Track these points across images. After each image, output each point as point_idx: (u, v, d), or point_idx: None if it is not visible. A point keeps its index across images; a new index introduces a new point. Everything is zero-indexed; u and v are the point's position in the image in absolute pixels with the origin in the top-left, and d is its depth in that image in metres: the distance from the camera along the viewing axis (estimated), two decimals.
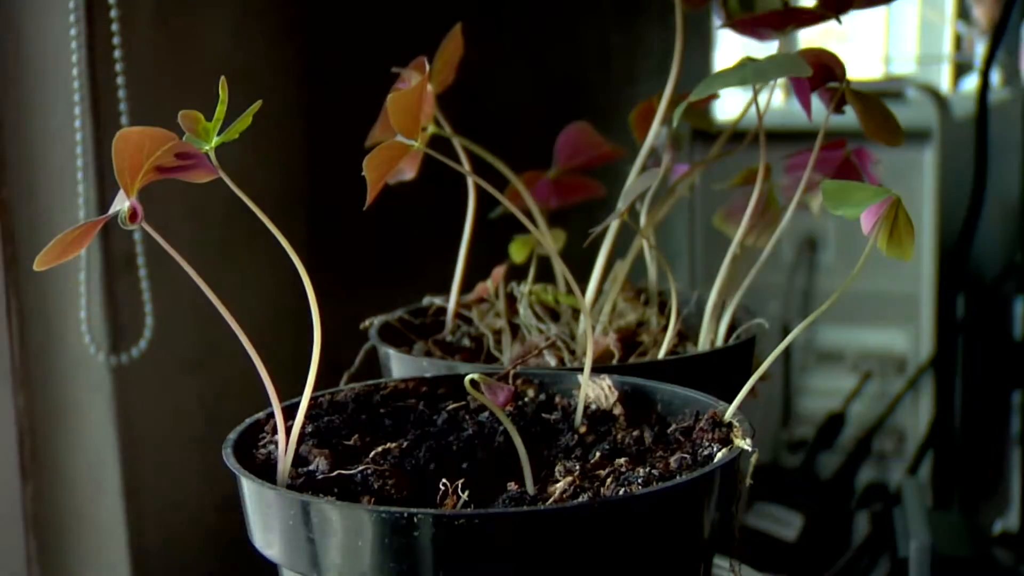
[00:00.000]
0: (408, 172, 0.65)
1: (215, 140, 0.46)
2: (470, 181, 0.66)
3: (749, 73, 0.55)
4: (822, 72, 0.58)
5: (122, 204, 0.45)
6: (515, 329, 0.68)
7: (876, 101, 0.59)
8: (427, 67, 0.54)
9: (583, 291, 0.67)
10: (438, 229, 0.84)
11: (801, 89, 0.58)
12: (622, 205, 0.55)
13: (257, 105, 0.46)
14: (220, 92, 0.45)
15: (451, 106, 0.66)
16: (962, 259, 1.45)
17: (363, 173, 0.49)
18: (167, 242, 0.46)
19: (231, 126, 0.46)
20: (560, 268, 0.63)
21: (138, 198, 0.45)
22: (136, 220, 0.45)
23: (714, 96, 0.61)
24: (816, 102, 0.58)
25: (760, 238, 0.67)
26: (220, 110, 0.46)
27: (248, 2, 0.92)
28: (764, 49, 0.62)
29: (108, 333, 0.83)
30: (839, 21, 0.62)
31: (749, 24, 0.63)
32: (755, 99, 0.62)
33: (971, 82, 2.44)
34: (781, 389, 1.60)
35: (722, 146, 0.71)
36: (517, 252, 0.72)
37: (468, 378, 0.46)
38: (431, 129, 0.60)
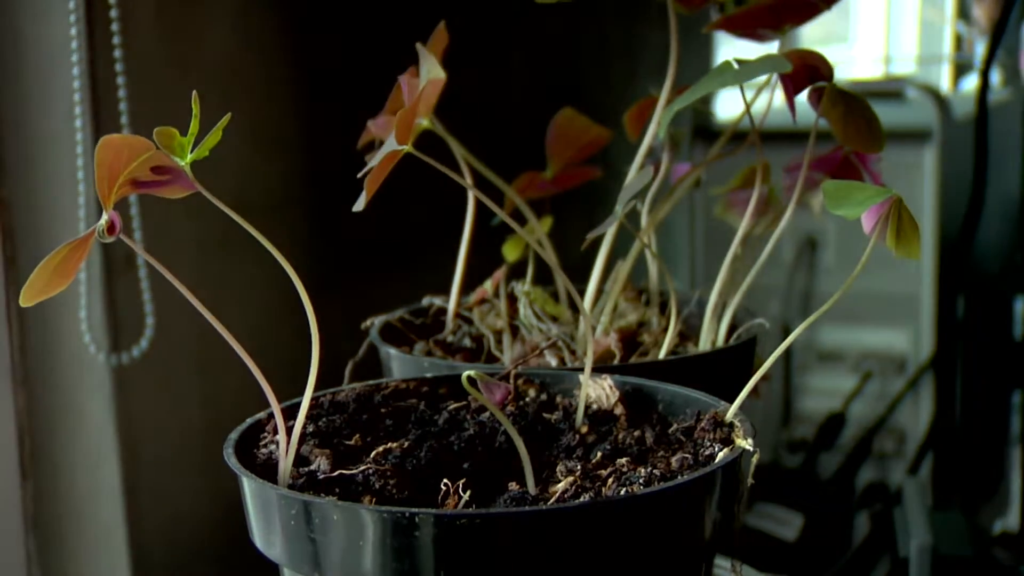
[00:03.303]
0: None
1: (189, 156, 0.45)
2: (467, 181, 0.66)
3: (730, 75, 0.54)
4: (808, 72, 0.57)
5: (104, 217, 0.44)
6: (515, 329, 0.67)
7: (861, 104, 0.58)
8: (442, 71, 0.53)
9: (583, 292, 0.67)
10: (438, 229, 0.84)
11: (786, 89, 0.58)
12: (619, 208, 0.55)
13: (226, 119, 0.45)
14: (193, 107, 0.44)
15: (450, 107, 0.66)
16: (962, 259, 1.45)
17: (360, 176, 0.49)
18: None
19: (202, 142, 0.45)
20: (561, 279, 0.63)
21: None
22: (114, 233, 0.44)
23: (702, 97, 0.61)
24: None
25: (765, 230, 0.67)
26: (194, 125, 0.45)
27: (249, 1, 0.92)
28: (762, 50, 0.61)
29: (108, 333, 0.83)
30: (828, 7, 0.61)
31: (739, 22, 0.62)
32: (747, 101, 0.62)
33: (971, 82, 2.44)
34: (781, 389, 1.60)
35: (722, 146, 0.71)
36: (510, 252, 0.71)
37: (465, 375, 0.46)
38: (425, 123, 0.59)
